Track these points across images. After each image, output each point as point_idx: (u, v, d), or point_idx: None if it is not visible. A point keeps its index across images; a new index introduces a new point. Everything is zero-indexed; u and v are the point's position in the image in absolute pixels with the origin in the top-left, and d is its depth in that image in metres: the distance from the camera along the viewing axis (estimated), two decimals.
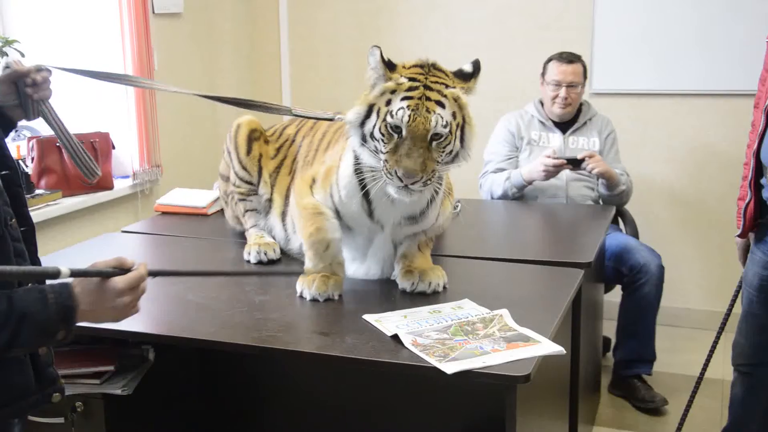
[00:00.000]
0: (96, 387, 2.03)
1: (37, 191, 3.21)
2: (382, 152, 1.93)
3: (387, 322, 1.90)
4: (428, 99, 1.91)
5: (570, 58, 3.59)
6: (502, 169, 3.60)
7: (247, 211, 2.61)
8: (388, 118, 1.91)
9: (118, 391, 2.02)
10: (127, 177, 3.71)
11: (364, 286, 2.21)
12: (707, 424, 3.21)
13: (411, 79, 1.94)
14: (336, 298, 2.10)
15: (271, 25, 4.74)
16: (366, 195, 2.10)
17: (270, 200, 2.56)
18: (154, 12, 3.82)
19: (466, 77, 2.03)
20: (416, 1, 4.44)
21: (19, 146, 3.35)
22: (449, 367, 1.65)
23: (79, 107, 3.63)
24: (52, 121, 1.78)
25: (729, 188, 4.04)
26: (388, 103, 1.93)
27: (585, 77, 3.63)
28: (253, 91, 4.80)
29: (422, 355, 1.71)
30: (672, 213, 4.22)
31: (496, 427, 1.78)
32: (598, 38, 4.15)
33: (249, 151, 2.57)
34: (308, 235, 2.17)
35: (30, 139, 3.33)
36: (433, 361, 1.68)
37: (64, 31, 3.59)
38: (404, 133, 1.89)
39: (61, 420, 2.03)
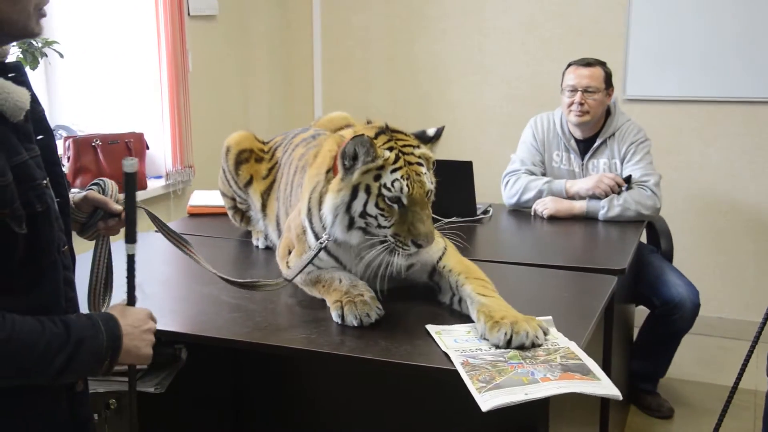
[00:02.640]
0: None
1: (73, 190, 3.23)
2: (384, 226, 1.90)
3: (447, 336, 1.81)
4: (410, 164, 1.91)
5: (588, 61, 3.31)
6: (532, 173, 3.41)
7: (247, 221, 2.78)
8: (385, 192, 1.88)
9: (151, 390, 2.03)
10: (160, 177, 3.75)
11: (423, 293, 2.14)
12: None
13: (388, 149, 1.92)
14: (380, 315, 1.93)
15: (305, 28, 4.77)
16: (338, 259, 2.08)
17: (265, 225, 2.64)
18: (189, 14, 3.87)
19: (426, 140, 2.04)
20: (449, 6, 4.44)
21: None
22: (486, 403, 1.53)
23: (114, 108, 3.68)
24: (99, 253, 1.76)
25: (764, 197, 4.00)
26: (377, 178, 1.89)
27: (609, 85, 3.30)
28: (285, 93, 4.83)
29: (466, 378, 1.62)
30: (706, 221, 4.18)
31: None
32: (632, 44, 4.12)
33: (238, 175, 2.65)
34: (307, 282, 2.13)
35: (66, 138, 3.37)
36: (473, 390, 1.57)
37: (101, 32, 3.65)
38: (406, 202, 1.88)
39: (94, 417, 2.05)
